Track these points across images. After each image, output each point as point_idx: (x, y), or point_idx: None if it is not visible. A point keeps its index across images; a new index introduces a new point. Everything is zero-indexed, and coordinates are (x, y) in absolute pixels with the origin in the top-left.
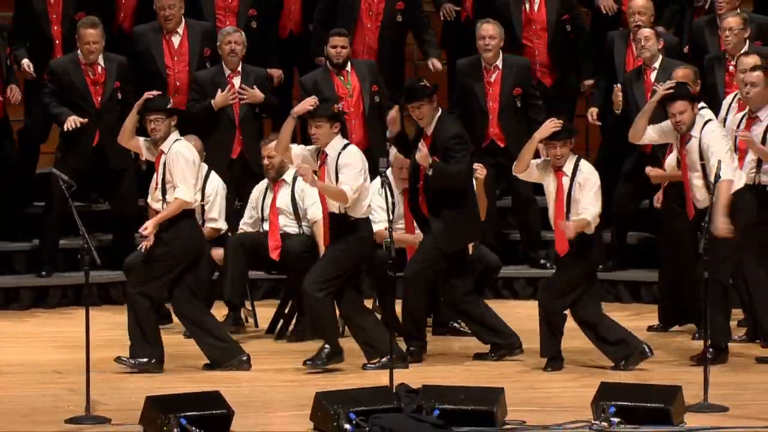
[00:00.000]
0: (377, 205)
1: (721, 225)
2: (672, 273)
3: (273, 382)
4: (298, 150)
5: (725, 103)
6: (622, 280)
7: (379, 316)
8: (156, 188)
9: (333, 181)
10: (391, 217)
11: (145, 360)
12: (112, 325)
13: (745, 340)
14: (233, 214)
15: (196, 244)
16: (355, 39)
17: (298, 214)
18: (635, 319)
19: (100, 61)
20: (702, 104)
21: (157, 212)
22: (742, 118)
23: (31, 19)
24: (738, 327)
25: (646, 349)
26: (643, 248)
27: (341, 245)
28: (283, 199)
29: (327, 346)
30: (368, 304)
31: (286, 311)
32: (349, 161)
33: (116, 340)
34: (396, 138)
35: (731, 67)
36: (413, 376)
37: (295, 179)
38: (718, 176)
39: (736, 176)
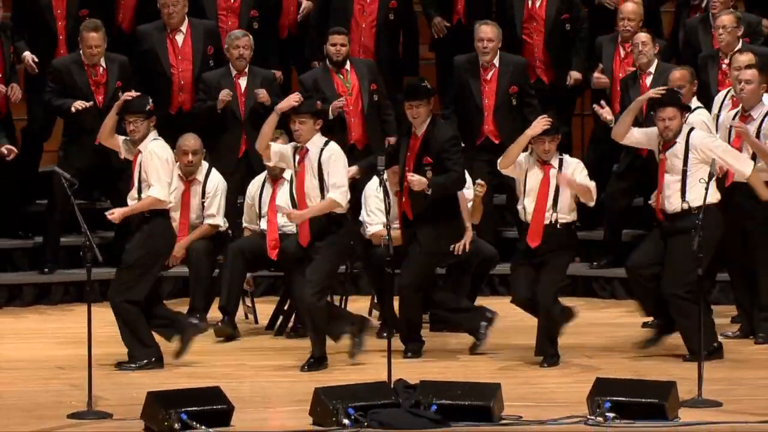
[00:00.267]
0: (375, 207)
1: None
2: None
3: (272, 377)
4: (276, 148)
5: (717, 99)
6: (617, 277)
7: (376, 313)
8: (133, 186)
9: (315, 177)
10: (388, 215)
11: (145, 361)
12: (113, 322)
13: (739, 336)
14: (234, 210)
15: (170, 243)
16: (351, 40)
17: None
18: (630, 315)
19: (102, 61)
20: (698, 104)
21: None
22: (735, 116)
23: (35, 14)
24: (732, 323)
25: None
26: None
27: (331, 247)
28: (283, 197)
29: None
30: (366, 301)
31: (286, 308)
32: (334, 157)
33: (118, 336)
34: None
35: (724, 65)
36: (411, 371)
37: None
38: (711, 174)
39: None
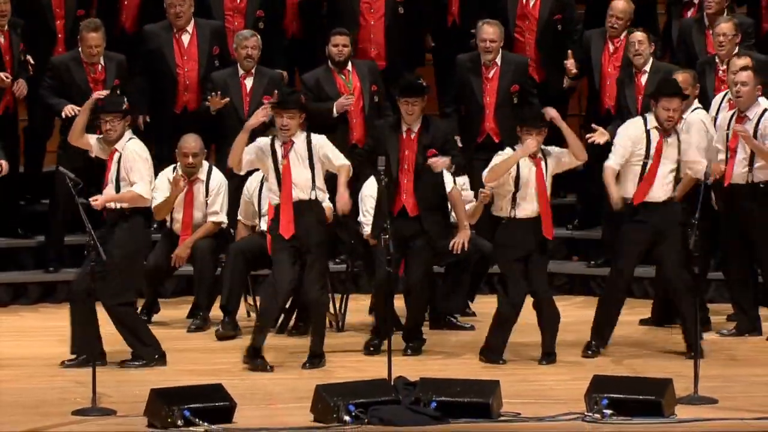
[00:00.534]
0: (371, 207)
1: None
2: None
3: (274, 375)
4: (252, 147)
5: (715, 102)
6: None
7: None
8: (106, 185)
9: (306, 167)
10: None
11: (148, 360)
12: None
13: (734, 333)
14: (236, 209)
15: (149, 241)
16: (361, 38)
17: None
18: (628, 313)
19: (100, 60)
20: (697, 104)
21: (110, 210)
22: (731, 117)
23: (35, 13)
24: (727, 321)
25: None
26: None
27: (323, 244)
28: None
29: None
30: (366, 300)
31: (287, 306)
32: (323, 140)
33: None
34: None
35: (721, 72)
36: (411, 369)
37: None
38: (707, 174)
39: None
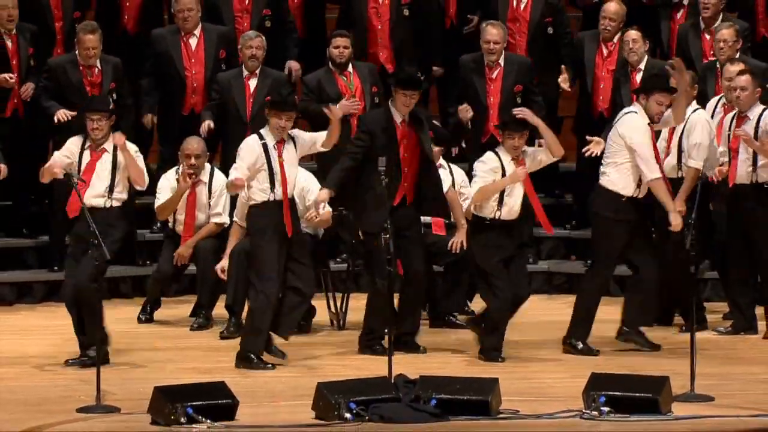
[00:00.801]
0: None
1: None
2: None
3: (276, 372)
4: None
5: (709, 106)
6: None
7: None
8: (89, 185)
9: (295, 165)
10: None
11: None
12: (121, 318)
13: (730, 332)
14: None
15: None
16: (371, 43)
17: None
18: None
19: (97, 62)
20: (697, 105)
21: (97, 208)
22: (732, 118)
23: (36, 14)
24: (723, 320)
25: None
26: None
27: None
28: None
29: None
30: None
31: None
32: (298, 131)
33: (125, 332)
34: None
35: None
36: (411, 367)
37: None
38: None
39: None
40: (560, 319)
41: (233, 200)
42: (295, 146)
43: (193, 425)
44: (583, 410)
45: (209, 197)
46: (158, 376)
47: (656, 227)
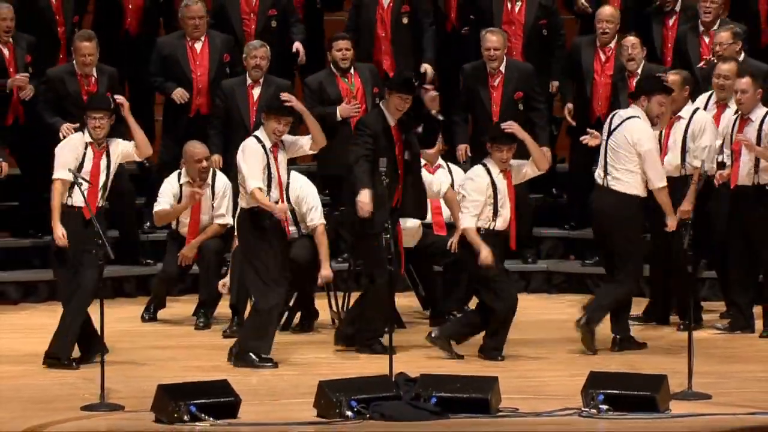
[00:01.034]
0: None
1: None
2: (662, 268)
3: (278, 371)
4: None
5: (700, 101)
6: None
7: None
8: (95, 180)
9: (285, 168)
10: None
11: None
12: (124, 317)
13: (728, 329)
14: None
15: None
16: (376, 50)
17: (296, 218)
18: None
19: (93, 71)
20: (696, 105)
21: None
22: (735, 120)
23: (39, 20)
24: (720, 318)
25: None
26: None
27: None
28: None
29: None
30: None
31: (291, 304)
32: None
33: (129, 331)
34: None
35: None
36: (411, 365)
37: (288, 184)
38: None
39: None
40: (559, 318)
41: (236, 202)
42: (284, 150)
43: (196, 423)
44: (582, 408)
45: (212, 199)
46: (161, 374)
47: (654, 227)
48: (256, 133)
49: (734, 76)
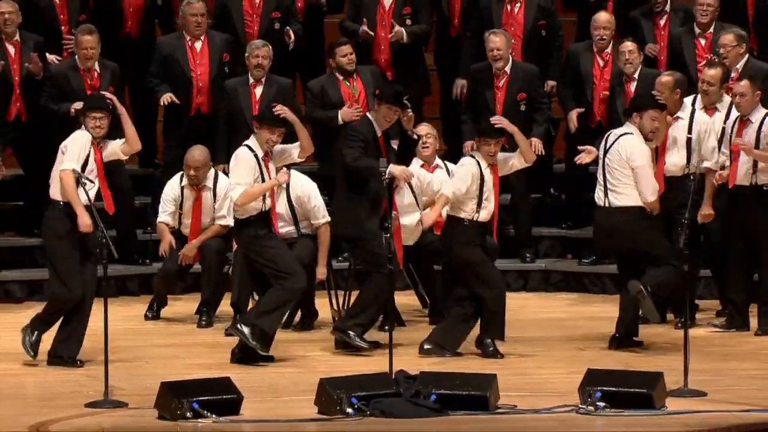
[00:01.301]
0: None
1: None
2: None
3: (280, 368)
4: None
5: (687, 102)
6: (606, 273)
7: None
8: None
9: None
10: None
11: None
12: (128, 316)
13: (725, 327)
14: None
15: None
16: (374, 51)
17: (296, 219)
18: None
19: (96, 66)
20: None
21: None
22: (735, 122)
23: (43, 19)
24: (716, 316)
25: None
26: None
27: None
28: (281, 203)
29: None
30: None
31: None
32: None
33: (133, 329)
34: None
35: (729, 80)
36: (411, 363)
37: (288, 184)
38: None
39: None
40: (557, 316)
41: None
42: (272, 158)
43: (199, 420)
44: (579, 405)
45: (214, 201)
46: (165, 371)
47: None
48: (248, 142)
49: (719, 82)
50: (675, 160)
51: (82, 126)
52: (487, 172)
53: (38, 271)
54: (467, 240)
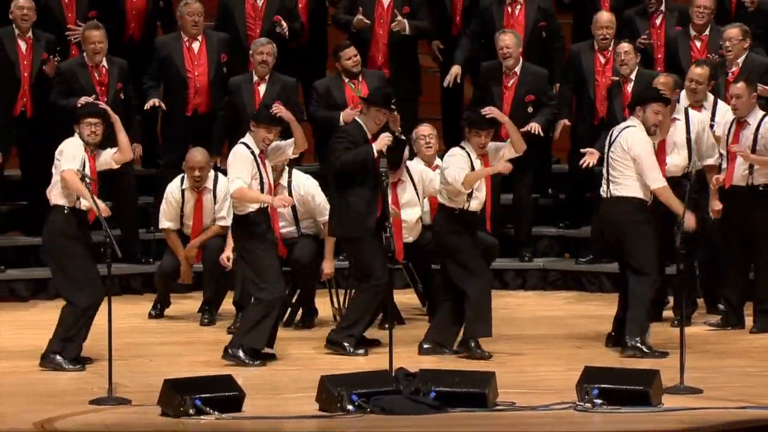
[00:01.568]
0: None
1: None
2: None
3: (281, 366)
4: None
5: (680, 104)
6: (603, 271)
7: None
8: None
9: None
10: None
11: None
12: (132, 314)
13: (720, 325)
14: None
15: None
16: (371, 48)
17: (297, 219)
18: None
19: (104, 62)
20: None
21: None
22: (732, 123)
23: (50, 17)
24: (707, 314)
25: None
26: None
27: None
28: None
29: None
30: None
31: (294, 300)
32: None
33: (137, 327)
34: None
35: (730, 74)
36: (411, 361)
37: (290, 184)
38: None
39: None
40: (555, 315)
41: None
42: (267, 156)
43: (201, 416)
44: (577, 402)
45: (214, 202)
46: (168, 369)
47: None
48: (244, 139)
49: (706, 81)
50: (676, 161)
51: (76, 134)
52: (477, 162)
53: (43, 270)
54: (456, 228)
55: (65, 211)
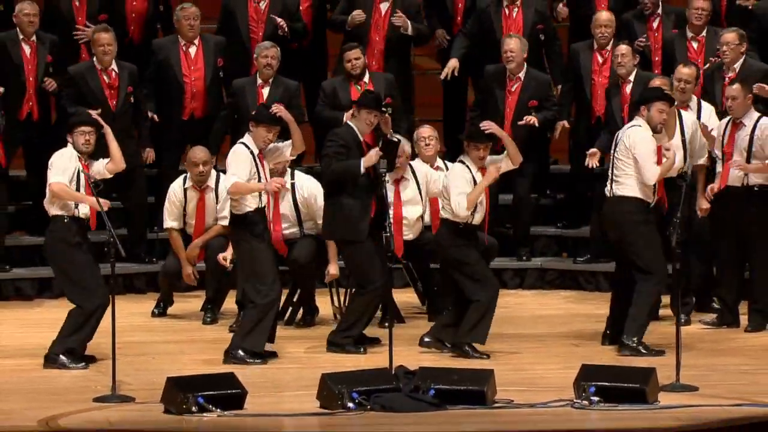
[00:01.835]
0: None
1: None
2: None
3: (282, 364)
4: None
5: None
6: (601, 271)
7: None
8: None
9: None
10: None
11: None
12: (135, 313)
13: (715, 324)
14: None
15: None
16: (366, 54)
17: (300, 220)
18: None
19: (114, 66)
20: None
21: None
22: (727, 124)
23: (60, 21)
24: (696, 312)
25: None
26: None
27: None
28: (286, 205)
29: None
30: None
31: (295, 299)
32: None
33: (140, 326)
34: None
35: (727, 78)
36: (410, 359)
37: (293, 185)
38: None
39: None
40: (553, 313)
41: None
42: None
43: (204, 414)
44: (574, 400)
45: (216, 202)
46: (171, 367)
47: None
48: (243, 139)
49: (694, 81)
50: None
51: (69, 144)
52: (478, 176)
53: (48, 269)
54: (461, 243)
55: (65, 220)
